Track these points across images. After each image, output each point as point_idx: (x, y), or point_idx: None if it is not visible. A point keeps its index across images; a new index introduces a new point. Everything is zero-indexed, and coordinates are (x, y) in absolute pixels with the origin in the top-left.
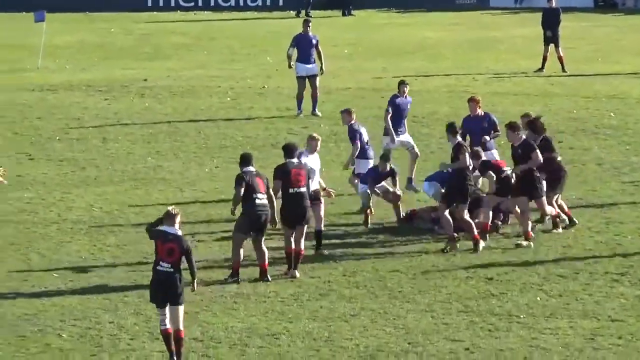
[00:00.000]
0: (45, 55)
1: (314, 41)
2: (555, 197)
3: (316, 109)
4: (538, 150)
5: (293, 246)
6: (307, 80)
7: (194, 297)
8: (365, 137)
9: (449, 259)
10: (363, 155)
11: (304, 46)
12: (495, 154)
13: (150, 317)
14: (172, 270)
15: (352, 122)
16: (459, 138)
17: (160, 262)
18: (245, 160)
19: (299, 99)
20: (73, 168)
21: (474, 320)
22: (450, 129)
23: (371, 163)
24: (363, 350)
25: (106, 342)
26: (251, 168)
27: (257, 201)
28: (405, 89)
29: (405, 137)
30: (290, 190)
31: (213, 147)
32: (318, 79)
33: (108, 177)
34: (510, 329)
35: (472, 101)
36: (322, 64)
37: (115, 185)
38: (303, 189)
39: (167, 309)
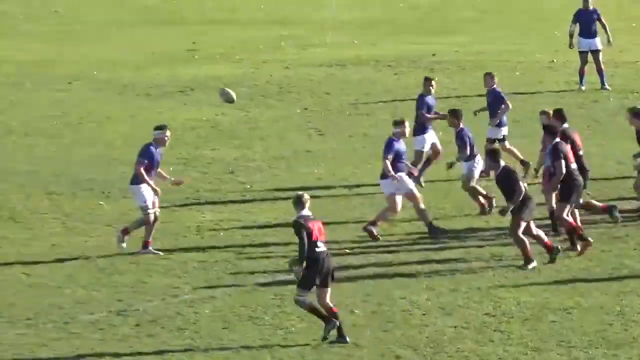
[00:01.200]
0: (334, 30)
1: (594, 15)
2: None
3: (605, 83)
4: None
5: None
6: (589, 54)
7: (486, 273)
8: None
9: None
10: None
11: (585, 21)
12: None
13: (441, 293)
14: (326, 248)
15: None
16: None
17: (318, 243)
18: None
19: (581, 73)
20: (363, 143)
21: None
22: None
23: None
24: None
25: (398, 318)
26: None
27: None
28: None
29: None
30: (572, 166)
31: None
32: (601, 53)
33: None
34: None
35: None
36: (608, 35)
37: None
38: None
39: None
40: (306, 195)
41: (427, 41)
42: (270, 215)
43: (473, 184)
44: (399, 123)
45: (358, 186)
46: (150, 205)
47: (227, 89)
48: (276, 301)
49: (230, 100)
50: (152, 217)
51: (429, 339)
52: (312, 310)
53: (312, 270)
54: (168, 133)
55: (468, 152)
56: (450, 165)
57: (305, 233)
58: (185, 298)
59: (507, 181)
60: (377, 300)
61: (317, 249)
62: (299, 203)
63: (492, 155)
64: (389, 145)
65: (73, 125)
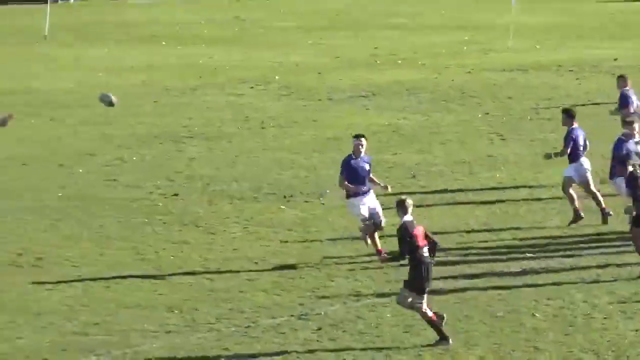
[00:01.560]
0: (516, 35)
1: None
2: None
3: None
4: None
5: None
6: None
7: None
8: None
9: None
10: None
11: None
12: None
13: (623, 296)
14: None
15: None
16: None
17: (424, 249)
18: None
19: None
20: (544, 148)
21: None
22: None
23: None
24: None
25: (580, 321)
26: None
27: None
28: None
29: None
30: None
31: None
32: None
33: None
34: None
35: None
36: None
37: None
38: None
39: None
40: (409, 200)
41: (608, 46)
42: (450, 220)
43: (570, 189)
44: (629, 123)
45: (539, 190)
46: (364, 215)
47: (108, 93)
48: (457, 305)
49: (110, 103)
50: (369, 225)
51: (610, 342)
52: (429, 320)
53: (420, 274)
54: (362, 141)
55: (568, 151)
56: (549, 157)
57: (410, 240)
58: (367, 302)
59: (632, 185)
60: (558, 304)
61: (424, 255)
62: (402, 208)
63: None
64: (619, 145)
65: (255, 130)
